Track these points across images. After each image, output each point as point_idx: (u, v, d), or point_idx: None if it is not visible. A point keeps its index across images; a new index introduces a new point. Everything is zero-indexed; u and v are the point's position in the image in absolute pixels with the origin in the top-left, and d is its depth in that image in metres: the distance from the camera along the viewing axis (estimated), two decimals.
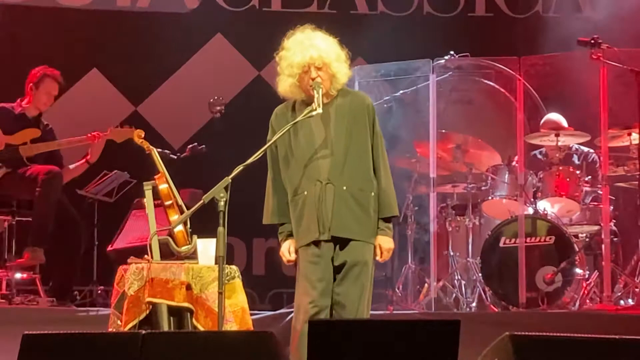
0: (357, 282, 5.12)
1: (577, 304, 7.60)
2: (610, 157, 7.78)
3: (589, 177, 7.93)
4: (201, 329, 5.47)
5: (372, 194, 5.19)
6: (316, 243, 5.13)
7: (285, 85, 5.22)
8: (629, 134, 7.74)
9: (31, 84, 7.65)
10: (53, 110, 8.27)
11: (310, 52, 5.13)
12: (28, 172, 7.44)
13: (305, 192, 5.15)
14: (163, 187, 6.05)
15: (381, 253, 5.20)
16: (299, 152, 5.18)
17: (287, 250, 5.23)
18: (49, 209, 7.37)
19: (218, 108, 8.67)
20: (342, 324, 4.53)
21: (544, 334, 4.35)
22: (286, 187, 5.23)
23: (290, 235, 5.24)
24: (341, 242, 5.14)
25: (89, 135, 7.60)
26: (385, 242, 5.21)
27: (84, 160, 7.67)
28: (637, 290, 7.58)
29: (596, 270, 7.80)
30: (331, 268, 5.14)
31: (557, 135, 7.94)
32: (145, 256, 5.72)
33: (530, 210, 7.91)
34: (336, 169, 5.14)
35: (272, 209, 5.28)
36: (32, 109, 7.68)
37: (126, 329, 5.47)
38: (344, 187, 5.13)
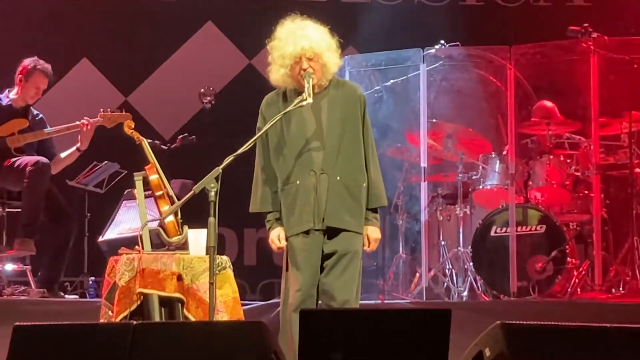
0: (346, 271, 5.13)
1: (568, 292, 7.61)
2: (601, 146, 7.79)
3: (580, 165, 7.93)
4: (192, 319, 5.46)
5: (364, 184, 5.22)
6: (306, 232, 5.14)
7: (277, 75, 5.23)
8: (620, 123, 7.75)
9: (21, 76, 7.60)
10: (44, 101, 8.23)
11: (302, 43, 5.14)
12: (16, 163, 7.41)
13: (298, 182, 5.16)
14: (153, 177, 6.04)
15: (369, 243, 5.24)
16: (292, 142, 5.18)
17: (276, 237, 5.23)
18: (38, 200, 7.34)
19: (209, 98, 8.65)
20: (333, 313, 4.54)
21: (535, 322, 4.35)
22: (277, 176, 5.23)
23: (278, 223, 5.24)
24: (332, 232, 5.15)
25: (78, 122, 7.56)
26: (373, 232, 5.25)
27: (74, 148, 7.63)
28: (628, 278, 7.60)
29: (587, 259, 7.82)
30: (320, 257, 5.15)
31: (547, 124, 7.94)
32: (136, 247, 5.71)
33: (521, 199, 7.91)
34: (330, 159, 5.15)
35: (261, 197, 5.27)
36: (20, 100, 7.64)
37: (117, 319, 5.46)
38: (338, 178, 5.15)
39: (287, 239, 5.21)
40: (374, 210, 5.26)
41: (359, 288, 5.22)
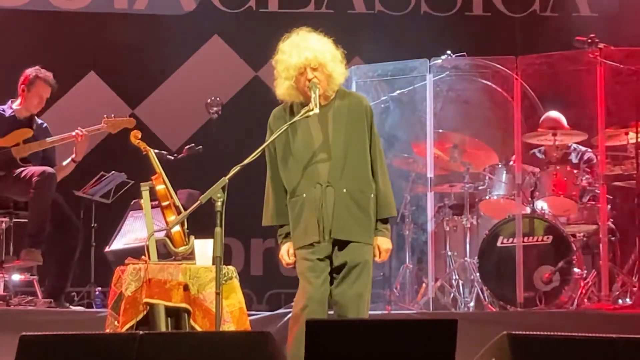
0: (357, 282, 5.13)
1: (575, 303, 7.59)
2: (607, 156, 7.78)
3: (587, 176, 7.93)
4: (199, 329, 5.46)
5: (372, 195, 5.21)
6: (313, 244, 5.13)
7: (282, 88, 5.23)
8: (627, 133, 7.74)
9: (23, 86, 7.63)
10: (51, 113, 8.26)
11: (305, 54, 5.14)
12: (22, 173, 7.43)
13: (304, 195, 5.16)
14: (160, 187, 6.05)
15: (380, 254, 5.23)
16: (298, 154, 5.18)
17: (286, 253, 5.24)
18: (44, 210, 7.36)
19: (215, 109, 8.67)
20: (340, 324, 4.54)
21: (542, 333, 4.35)
22: (285, 188, 5.23)
23: (288, 238, 5.25)
24: (340, 243, 5.15)
25: (73, 134, 7.56)
26: (384, 243, 5.24)
27: (69, 160, 7.65)
28: (634, 289, 7.58)
29: (594, 270, 7.80)
30: (328, 268, 5.16)
31: (554, 134, 7.94)
32: (143, 257, 5.72)
33: (528, 210, 7.90)
34: (336, 171, 5.15)
35: (272, 210, 5.28)
36: (24, 110, 7.66)
37: (123, 329, 5.47)
38: (344, 190, 5.15)
39: (295, 252, 5.21)
40: (384, 221, 5.25)
41: (369, 299, 5.22)
